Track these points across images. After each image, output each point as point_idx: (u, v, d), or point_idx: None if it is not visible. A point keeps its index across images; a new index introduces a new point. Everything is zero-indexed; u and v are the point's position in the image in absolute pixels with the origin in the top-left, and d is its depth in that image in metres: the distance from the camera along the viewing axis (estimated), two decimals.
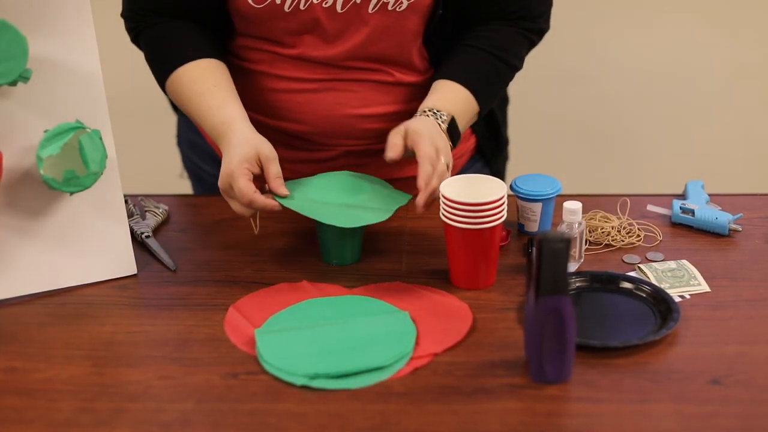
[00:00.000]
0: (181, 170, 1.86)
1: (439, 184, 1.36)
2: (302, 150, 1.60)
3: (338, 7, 1.46)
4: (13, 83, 1.28)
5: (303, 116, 1.56)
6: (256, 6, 1.46)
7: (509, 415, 1.13)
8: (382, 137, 1.46)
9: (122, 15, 1.56)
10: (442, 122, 1.44)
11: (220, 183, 1.39)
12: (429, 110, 1.46)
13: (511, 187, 1.47)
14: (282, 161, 1.58)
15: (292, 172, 1.62)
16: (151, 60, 1.56)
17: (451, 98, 1.49)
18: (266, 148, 1.39)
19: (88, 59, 1.34)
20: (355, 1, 1.46)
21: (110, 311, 1.34)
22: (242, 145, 1.38)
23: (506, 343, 1.25)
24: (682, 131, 2.63)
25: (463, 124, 1.49)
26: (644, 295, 1.33)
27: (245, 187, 1.35)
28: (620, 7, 2.50)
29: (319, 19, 1.47)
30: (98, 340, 1.27)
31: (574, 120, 2.63)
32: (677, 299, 1.33)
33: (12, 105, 1.32)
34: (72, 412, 1.15)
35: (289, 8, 1.46)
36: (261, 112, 1.57)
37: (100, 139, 1.33)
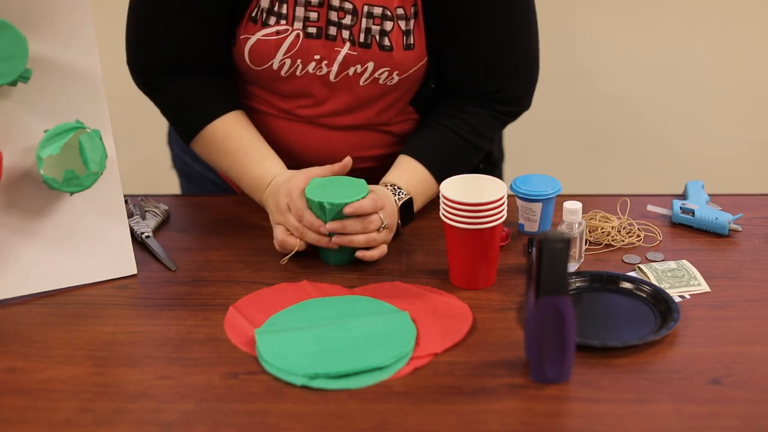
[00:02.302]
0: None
1: (358, 230, 1.38)
2: (292, 158, 1.60)
3: (332, 77, 1.50)
4: (13, 83, 1.28)
5: (295, 150, 1.59)
6: (254, 68, 1.50)
7: (509, 415, 1.13)
8: (373, 175, 1.52)
9: (128, 63, 1.57)
10: (398, 199, 1.46)
11: (281, 203, 1.41)
12: (390, 185, 1.48)
13: (511, 187, 1.47)
14: None
15: None
16: (174, 119, 1.59)
17: (411, 178, 1.50)
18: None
19: (88, 59, 1.34)
20: (347, 73, 1.50)
21: (110, 311, 1.34)
22: (296, 176, 1.43)
23: (506, 343, 1.25)
24: (682, 131, 2.63)
25: (418, 204, 1.51)
26: (644, 295, 1.33)
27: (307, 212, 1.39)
28: (620, 7, 2.50)
29: (312, 85, 1.51)
30: (98, 340, 1.27)
31: (573, 120, 2.63)
32: (677, 299, 1.33)
33: (12, 105, 1.32)
34: (72, 412, 1.15)
35: (285, 74, 1.50)
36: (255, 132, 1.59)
37: (100, 139, 1.33)
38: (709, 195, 1.56)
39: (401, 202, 1.46)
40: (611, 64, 2.56)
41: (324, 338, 1.25)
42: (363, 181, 1.43)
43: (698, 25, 2.51)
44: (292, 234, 1.42)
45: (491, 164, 1.73)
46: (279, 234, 1.42)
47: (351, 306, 1.32)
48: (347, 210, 1.37)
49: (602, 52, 2.56)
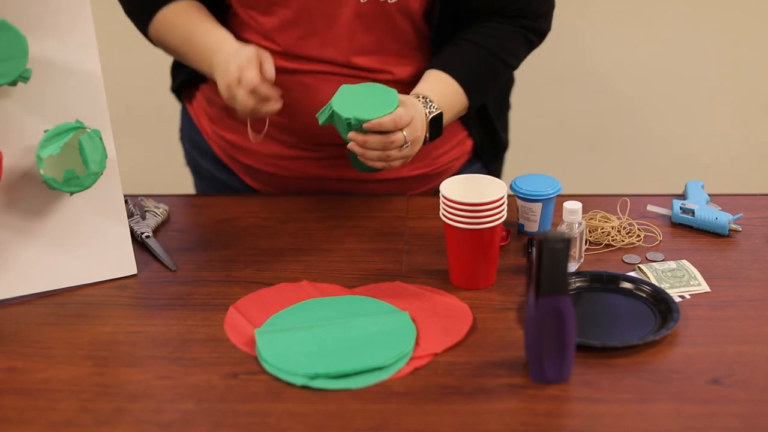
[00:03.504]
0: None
1: (378, 147, 1.36)
2: (296, 148, 1.60)
3: None
4: (13, 83, 1.28)
5: (296, 109, 1.55)
6: None
7: (509, 415, 1.13)
8: None
9: None
10: (429, 113, 1.44)
11: (227, 78, 1.41)
12: (422, 97, 1.45)
13: (511, 187, 1.47)
14: (276, 158, 1.59)
15: (283, 169, 1.62)
16: (129, 9, 1.59)
17: (442, 91, 1.48)
18: (261, 50, 1.44)
19: (88, 59, 1.34)
20: None
21: (110, 311, 1.34)
22: (242, 48, 1.42)
23: (506, 343, 1.25)
24: (682, 131, 2.63)
25: (447, 119, 1.49)
26: (644, 295, 1.33)
27: (255, 75, 1.38)
28: (620, 8, 2.50)
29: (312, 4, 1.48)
30: (98, 340, 1.27)
31: (573, 120, 2.63)
32: (677, 299, 1.33)
33: (12, 105, 1.32)
34: (72, 412, 1.15)
35: None
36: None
37: (100, 139, 1.33)
38: (709, 195, 1.56)
39: (431, 116, 1.44)
40: (611, 64, 2.56)
41: (324, 338, 1.25)
42: (394, 93, 1.39)
43: (698, 25, 2.51)
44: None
45: (497, 148, 1.72)
46: (243, 102, 1.41)
47: (351, 306, 1.32)
48: (367, 126, 1.34)
49: (602, 52, 2.56)
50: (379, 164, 1.40)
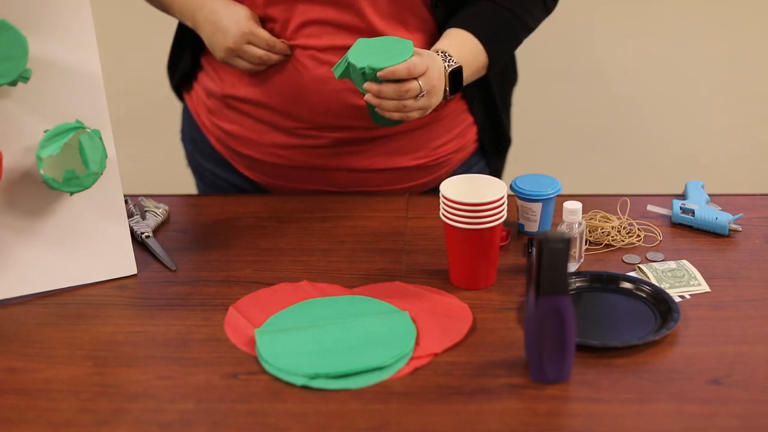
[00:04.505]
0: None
1: (394, 97, 1.37)
2: (296, 135, 1.59)
3: None
4: (13, 83, 1.28)
5: (297, 89, 1.56)
6: None
7: (509, 415, 1.13)
8: (369, 120, 1.48)
9: None
10: (448, 66, 1.44)
11: (232, 43, 1.50)
12: (441, 51, 1.45)
13: (511, 187, 1.47)
14: (275, 147, 1.59)
15: (282, 158, 1.63)
16: None
17: (461, 46, 1.48)
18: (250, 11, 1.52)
19: (88, 59, 1.34)
20: None
21: (110, 311, 1.34)
22: (236, 6, 1.51)
23: (506, 343, 1.25)
24: (682, 131, 2.63)
25: (468, 74, 1.49)
26: (644, 295, 1.33)
27: (267, 35, 1.51)
28: (621, 8, 2.50)
29: None
30: (98, 340, 1.28)
31: (574, 120, 2.64)
32: (677, 299, 1.33)
33: (12, 105, 1.32)
34: (72, 412, 1.15)
35: None
36: (254, 93, 1.58)
37: (100, 139, 1.33)
38: (709, 195, 1.56)
39: (450, 69, 1.44)
40: (611, 64, 2.57)
41: (324, 338, 1.25)
42: (409, 43, 1.39)
43: (698, 25, 2.51)
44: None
45: (501, 141, 1.72)
46: (246, 64, 1.52)
47: (351, 306, 1.32)
48: (380, 74, 1.35)
49: (602, 52, 2.56)
50: (396, 115, 1.40)
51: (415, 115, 1.41)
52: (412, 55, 1.37)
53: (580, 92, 2.60)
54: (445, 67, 1.43)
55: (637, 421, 1.11)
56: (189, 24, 1.58)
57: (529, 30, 1.59)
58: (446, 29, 1.52)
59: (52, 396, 1.17)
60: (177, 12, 1.59)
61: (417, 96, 1.38)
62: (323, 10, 1.50)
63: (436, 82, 1.40)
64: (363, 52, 1.38)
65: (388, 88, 1.37)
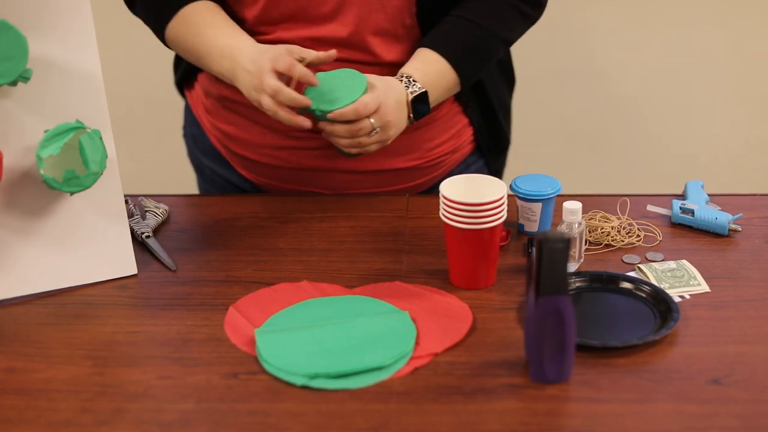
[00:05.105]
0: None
1: (346, 136, 1.39)
2: (292, 137, 1.59)
3: None
4: (13, 83, 1.28)
5: None
6: None
7: (509, 415, 1.13)
8: None
9: None
10: (411, 93, 1.45)
11: (250, 83, 1.41)
12: (406, 76, 1.47)
13: (511, 187, 1.47)
14: (271, 148, 1.58)
15: (278, 159, 1.63)
16: (146, 13, 1.57)
17: (427, 68, 1.49)
18: (291, 46, 1.42)
19: (88, 59, 1.34)
20: None
21: (110, 311, 1.34)
22: (267, 49, 1.42)
23: (506, 343, 1.25)
24: (682, 131, 2.63)
25: (435, 97, 1.50)
26: (644, 295, 1.33)
27: (275, 82, 1.38)
28: (620, 7, 2.50)
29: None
30: (98, 340, 1.28)
31: (574, 120, 2.64)
32: (677, 299, 1.33)
33: (12, 105, 1.32)
34: (72, 412, 1.15)
35: None
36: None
37: (100, 139, 1.33)
38: (709, 195, 1.56)
39: (413, 96, 1.45)
40: (611, 64, 2.56)
41: (324, 338, 1.25)
42: (363, 79, 1.41)
43: (698, 25, 2.51)
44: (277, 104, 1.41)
45: (499, 143, 1.72)
46: (270, 105, 1.41)
47: (351, 306, 1.32)
48: (330, 116, 1.38)
49: (602, 52, 2.56)
50: (353, 150, 1.44)
51: (373, 148, 1.45)
52: (364, 92, 1.39)
53: (580, 92, 2.60)
54: (407, 94, 1.45)
55: (637, 421, 1.11)
56: (226, 76, 1.50)
57: (506, 42, 1.59)
58: (417, 47, 1.53)
59: (51, 396, 1.17)
60: (211, 65, 1.51)
61: (370, 133, 1.41)
62: (318, 30, 1.51)
63: (391, 117, 1.42)
64: (317, 90, 1.41)
65: (339, 128, 1.41)
